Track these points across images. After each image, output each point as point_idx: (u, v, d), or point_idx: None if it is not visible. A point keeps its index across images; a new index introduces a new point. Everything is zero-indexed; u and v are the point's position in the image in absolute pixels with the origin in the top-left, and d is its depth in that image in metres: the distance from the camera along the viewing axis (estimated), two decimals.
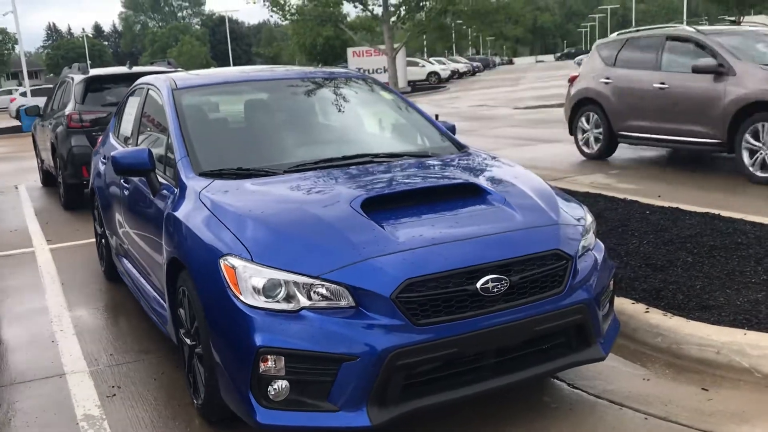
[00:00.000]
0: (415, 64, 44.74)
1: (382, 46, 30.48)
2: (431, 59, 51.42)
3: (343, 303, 2.75)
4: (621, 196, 6.87)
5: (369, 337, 2.70)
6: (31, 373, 4.03)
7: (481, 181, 3.50)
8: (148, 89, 4.64)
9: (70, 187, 8.70)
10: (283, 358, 2.72)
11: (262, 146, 4.04)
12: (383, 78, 28.02)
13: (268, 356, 2.72)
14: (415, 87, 36.24)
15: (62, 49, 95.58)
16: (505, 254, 2.95)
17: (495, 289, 2.87)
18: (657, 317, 3.91)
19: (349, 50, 37.28)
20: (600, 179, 8.39)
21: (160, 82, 4.38)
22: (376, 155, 3.91)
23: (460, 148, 4.24)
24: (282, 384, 2.74)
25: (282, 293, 2.78)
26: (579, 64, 18.85)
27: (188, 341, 3.31)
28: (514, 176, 3.67)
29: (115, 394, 3.68)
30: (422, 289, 2.77)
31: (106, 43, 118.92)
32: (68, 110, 8.63)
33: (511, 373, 3.00)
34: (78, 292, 5.49)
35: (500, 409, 3.29)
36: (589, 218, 3.48)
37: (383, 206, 3.17)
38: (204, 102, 4.35)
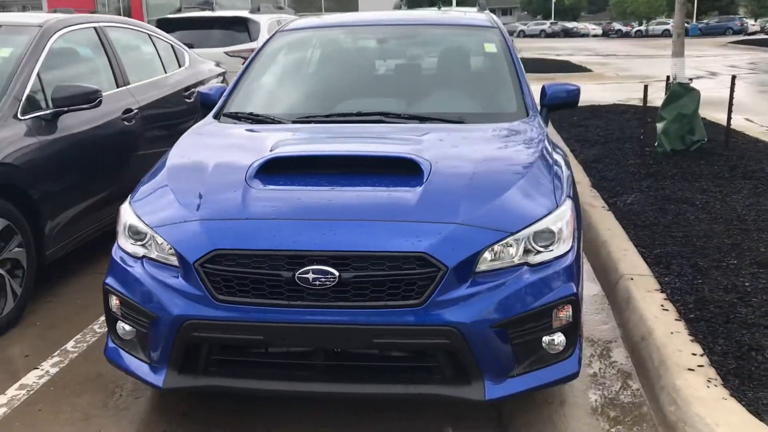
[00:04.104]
0: None
1: None
2: None
3: (172, 260, 2.69)
4: None
5: (170, 301, 2.60)
6: None
7: (434, 158, 2.93)
8: None
9: None
10: (118, 300, 2.80)
11: (305, 94, 3.97)
12: None
13: (112, 296, 2.83)
14: None
15: None
16: (341, 245, 2.50)
17: (317, 282, 2.47)
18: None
19: None
20: None
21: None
22: (398, 115, 3.54)
23: (523, 116, 3.54)
24: (124, 326, 2.83)
25: (146, 239, 2.83)
26: None
27: None
28: (495, 160, 2.99)
29: None
30: (231, 264, 2.54)
31: None
32: None
33: (350, 382, 2.59)
34: None
35: None
36: (559, 229, 2.67)
37: (291, 169, 2.94)
38: (292, 44, 4.39)
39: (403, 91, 3.95)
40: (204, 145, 3.36)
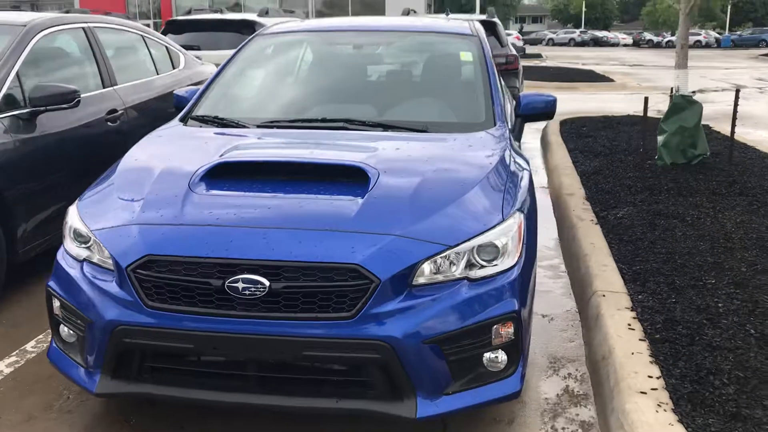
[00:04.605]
0: None
1: None
2: None
3: (109, 264, 2.66)
4: None
5: (103, 305, 2.57)
6: None
7: (384, 167, 2.87)
8: None
9: None
10: (59, 302, 2.79)
11: (275, 98, 3.95)
12: None
13: (54, 299, 2.82)
14: None
15: None
16: (273, 254, 2.45)
17: (247, 292, 2.43)
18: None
19: None
20: None
21: (271, 23, 4.54)
22: (363, 123, 3.49)
23: (490, 126, 3.47)
24: (65, 329, 2.82)
25: (90, 242, 2.80)
26: None
27: None
28: (445, 171, 2.92)
29: None
30: (162, 270, 2.51)
31: None
32: None
33: (284, 395, 2.53)
34: None
35: None
36: (504, 243, 2.60)
37: (238, 175, 2.91)
38: (268, 48, 4.36)
39: (371, 98, 3.90)
40: (159, 148, 3.33)
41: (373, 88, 4.04)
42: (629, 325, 3.44)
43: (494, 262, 2.61)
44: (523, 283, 2.68)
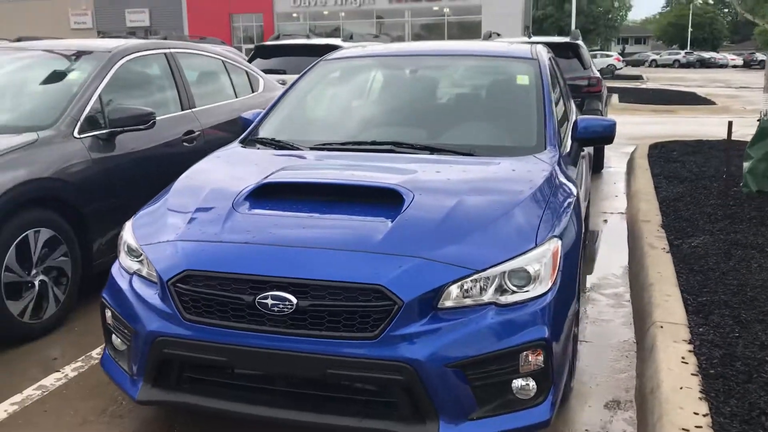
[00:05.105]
0: None
1: None
2: None
3: (154, 277, 2.80)
4: None
5: (146, 317, 2.71)
6: None
7: (420, 190, 2.90)
8: None
9: None
10: (110, 312, 2.95)
11: (330, 122, 4.05)
12: None
13: (106, 309, 2.99)
14: None
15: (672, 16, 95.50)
16: (301, 272, 2.52)
17: (276, 308, 2.51)
18: None
19: None
20: None
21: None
22: (411, 146, 3.53)
23: (539, 151, 3.45)
24: (116, 338, 2.98)
25: (141, 256, 2.97)
26: None
27: None
28: (482, 195, 2.92)
29: None
30: (199, 285, 2.62)
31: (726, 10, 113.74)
32: None
33: (310, 411, 2.59)
34: None
35: None
36: (536, 270, 2.58)
37: (280, 195, 3.02)
38: (329, 73, 4.47)
39: (423, 122, 3.93)
40: (214, 169, 3.48)
41: (426, 112, 4.07)
42: (683, 358, 3.30)
43: (525, 288, 2.58)
44: (557, 310, 2.63)
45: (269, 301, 2.51)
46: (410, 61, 4.44)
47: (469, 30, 42.19)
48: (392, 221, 2.70)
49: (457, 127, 3.85)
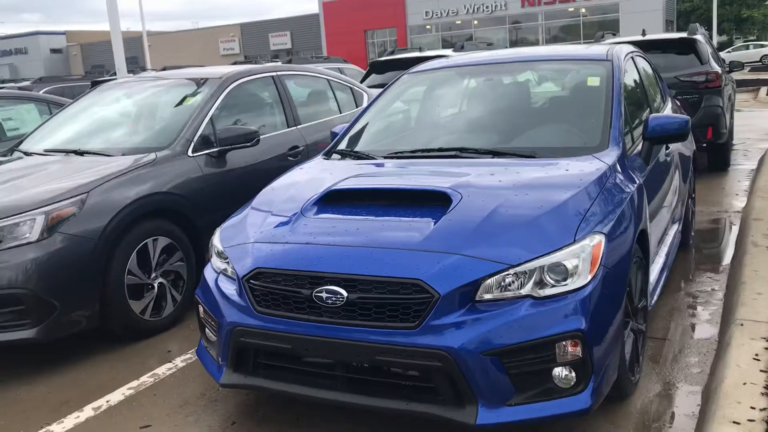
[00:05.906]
0: None
1: None
2: None
3: (234, 275, 3.18)
4: None
5: (227, 309, 3.09)
6: None
7: (469, 191, 3.09)
8: None
9: None
10: (201, 308, 3.36)
11: (405, 132, 4.29)
12: None
13: (199, 305, 3.40)
14: None
15: None
16: (351, 269, 2.79)
17: (329, 301, 2.80)
18: None
19: None
20: None
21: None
22: (476, 151, 3.72)
23: (601, 150, 3.52)
24: (207, 330, 3.39)
25: (227, 257, 3.36)
26: None
27: None
28: (527, 194, 3.07)
29: None
30: (268, 281, 2.96)
31: None
32: None
33: (364, 395, 2.85)
34: None
35: None
36: (575, 264, 2.71)
37: (345, 201, 3.32)
38: (410, 85, 4.71)
39: (490, 127, 4.09)
40: (294, 179, 3.82)
41: (494, 117, 4.22)
42: (756, 355, 3.25)
43: (564, 282, 2.70)
44: (598, 303, 2.73)
45: (324, 295, 2.80)
46: (486, 69, 4.61)
47: (608, 29, 40.92)
48: (436, 221, 2.91)
49: (523, 131, 3.98)
